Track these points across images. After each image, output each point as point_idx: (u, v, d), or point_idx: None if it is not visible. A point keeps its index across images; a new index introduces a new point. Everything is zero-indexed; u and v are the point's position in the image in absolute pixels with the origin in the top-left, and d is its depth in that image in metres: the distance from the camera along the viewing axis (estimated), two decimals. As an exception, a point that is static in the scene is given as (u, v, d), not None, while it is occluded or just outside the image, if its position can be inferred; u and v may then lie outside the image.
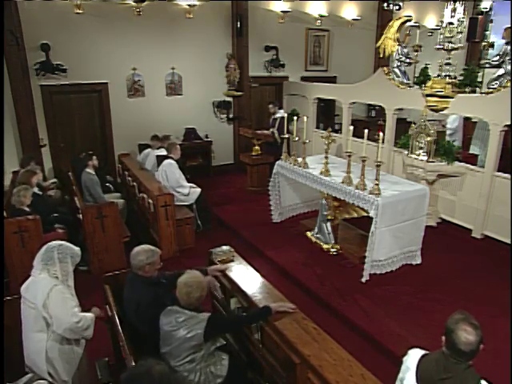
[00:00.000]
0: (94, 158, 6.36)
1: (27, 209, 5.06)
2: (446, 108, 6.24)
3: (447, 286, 4.84)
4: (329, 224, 5.70)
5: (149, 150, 7.64)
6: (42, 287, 2.92)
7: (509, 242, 5.67)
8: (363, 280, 4.88)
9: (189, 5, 8.28)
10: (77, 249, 3.22)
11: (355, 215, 5.75)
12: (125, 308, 3.19)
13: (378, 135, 4.68)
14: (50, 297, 2.88)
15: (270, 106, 8.63)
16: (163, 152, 7.10)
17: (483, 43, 8.24)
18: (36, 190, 5.71)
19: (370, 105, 10.93)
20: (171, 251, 5.92)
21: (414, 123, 6.46)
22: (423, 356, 2.20)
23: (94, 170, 6.33)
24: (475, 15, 9.90)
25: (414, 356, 2.24)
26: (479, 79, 7.03)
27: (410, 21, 7.55)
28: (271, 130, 8.40)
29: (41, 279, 2.96)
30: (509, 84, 5.64)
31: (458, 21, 5.88)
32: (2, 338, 2.93)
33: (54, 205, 6.23)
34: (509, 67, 6.58)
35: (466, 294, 4.65)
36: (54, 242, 3.13)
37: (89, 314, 3.14)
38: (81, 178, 6.21)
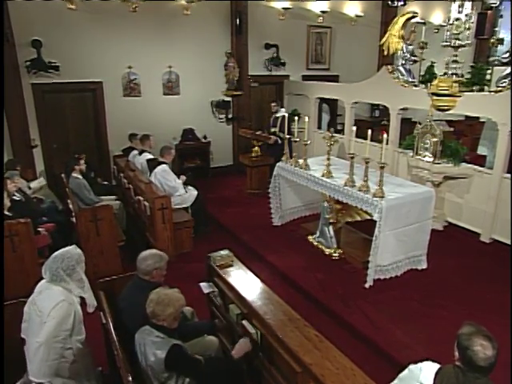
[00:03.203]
0: (82, 161, 6.36)
1: (8, 213, 5.06)
2: (452, 107, 6.23)
3: (454, 292, 4.84)
4: (331, 227, 5.70)
5: (135, 152, 7.65)
6: (53, 298, 2.97)
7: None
8: (367, 285, 4.88)
9: (186, 1, 8.30)
10: (77, 252, 3.21)
11: (358, 218, 5.73)
12: (124, 314, 3.14)
13: (382, 136, 4.68)
14: (55, 309, 2.92)
15: (273, 104, 8.64)
16: (148, 156, 7.09)
17: (492, 40, 8.19)
18: (18, 195, 5.71)
19: (373, 104, 10.96)
20: (168, 256, 5.87)
21: (420, 123, 6.47)
22: (438, 371, 2.14)
23: (82, 174, 6.32)
24: (484, 10, 9.85)
25: (427, 371, 2.17)
26: (488, 77, 7.04)
27: (415, 17, 7.55)
28: (272, 129, 8.41)
29: (55, 290, 3.02)
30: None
31: (466, 16, 5.85)
32: (2, 339, 2.94)
33: (41, 209, 6.20)
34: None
35: (474, 300, 4.65)
36: (53, 258, 3.11)
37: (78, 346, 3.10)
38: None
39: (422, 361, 2.32)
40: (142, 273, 3.24)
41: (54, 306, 2.92)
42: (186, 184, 6.79)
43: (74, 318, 3.04)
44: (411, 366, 2.31)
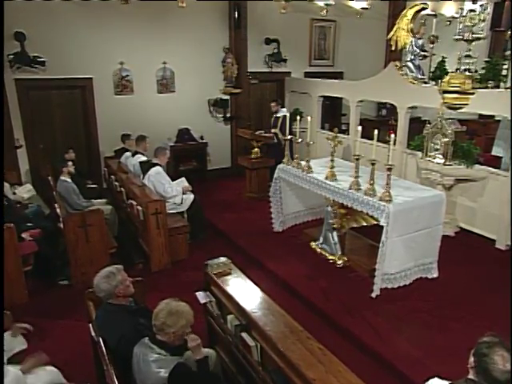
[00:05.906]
0: (70, 163, 6.35)
1: None
2: (465, 105, 6.25)
3: (466, 302, 4.84)
4: (335, 233, 5.71)
5: (128, 153, 7.68)
6: None
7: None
8: (373, 295, 4.88)
9: (182, -7, 8.34)
10: None
11: (364, 224, 5.74)
12: (116, 345, 3.07)
13: (389, 136, 4.69)
14: None
15: (273, 104, 8.66)
16: (141, 158, 7.10)
17: (509, 32, 8.17)
18: None
19: (380, 103, 10.98)
20: (163, 263, 5.93)
21: (429, 123, 6.48)
22: None
23: (71, 177, 6.33)
24: (501, 0, 9.80)
25: None
26: (503, 73, 7.03)
27: (425, 9, 7.56)
28: (273, 130, 8.42)
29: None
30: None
31: (481, 7, 5.76)
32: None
33: (26, 214, 6.20)
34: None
35: (488, 311, 4.63)
36: None
37: None
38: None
39: (432, 377, 2.32)
40: (106, 299, 3.21)
41: None
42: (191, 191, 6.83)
43: None
44: None
